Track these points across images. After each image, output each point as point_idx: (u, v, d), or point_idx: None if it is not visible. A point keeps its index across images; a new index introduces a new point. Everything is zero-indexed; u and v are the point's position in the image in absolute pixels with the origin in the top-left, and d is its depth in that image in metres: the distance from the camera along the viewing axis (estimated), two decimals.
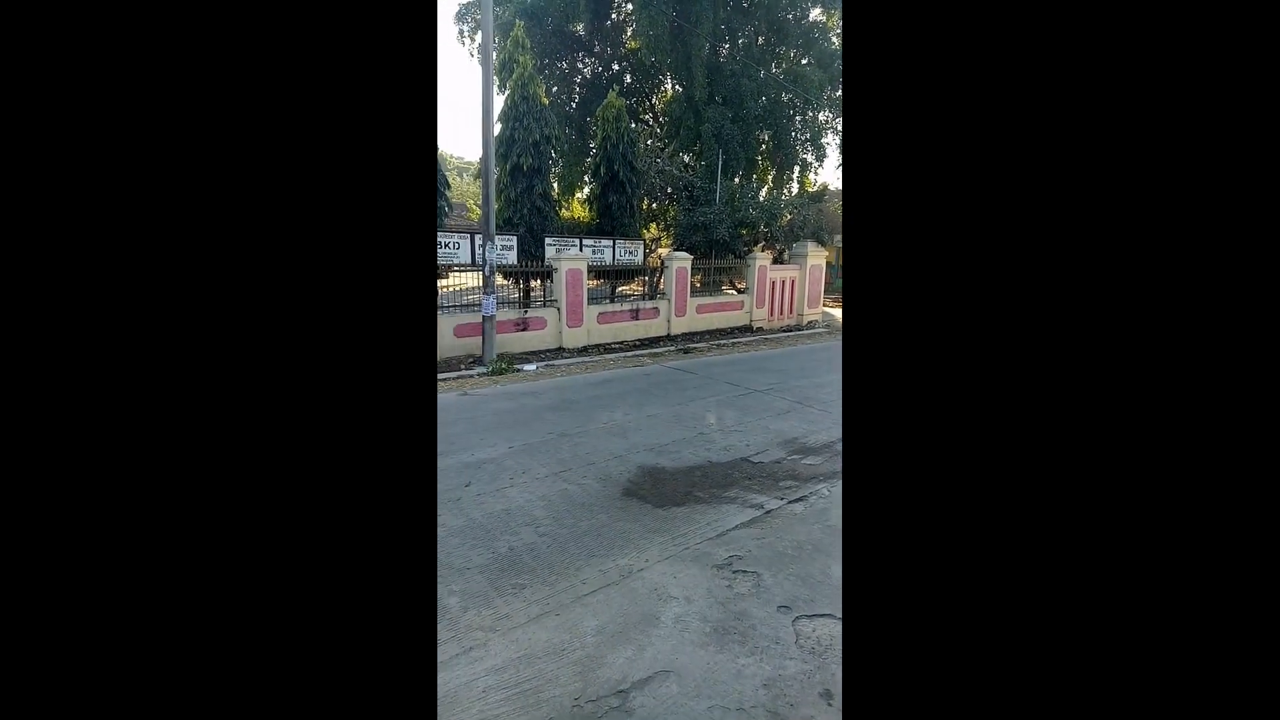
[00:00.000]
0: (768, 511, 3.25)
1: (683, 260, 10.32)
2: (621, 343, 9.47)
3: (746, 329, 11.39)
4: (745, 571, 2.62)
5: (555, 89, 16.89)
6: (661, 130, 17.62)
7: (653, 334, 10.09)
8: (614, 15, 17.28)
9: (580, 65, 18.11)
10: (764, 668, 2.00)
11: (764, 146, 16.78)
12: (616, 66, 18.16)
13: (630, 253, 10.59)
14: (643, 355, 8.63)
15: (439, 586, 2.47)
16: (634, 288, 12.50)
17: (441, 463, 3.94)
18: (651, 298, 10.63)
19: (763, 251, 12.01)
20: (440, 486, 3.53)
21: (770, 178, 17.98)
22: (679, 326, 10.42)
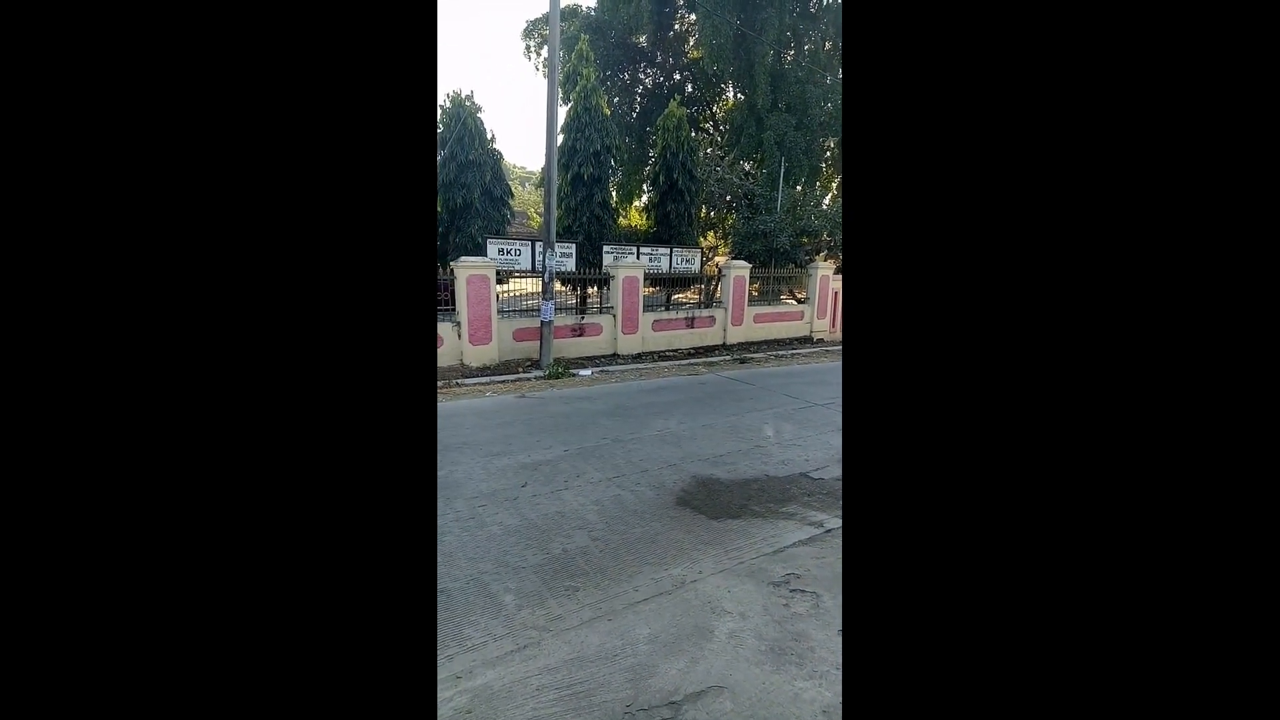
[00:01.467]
0: (828, 530, 3.13)
1: (741, 268, 10.20)
2: (676, 350, 9.46)
3: (806, 340, 11.09)
4: (804, 591, 2.53)
5: (617, 99, 17.23)
6: (722, 138, 17.57)
7: (708, 342, 10.02)
8: (676, 26, 17.48)
9: (642, 75, 18.39)
10: (824, 693, 1.91)
11: (829, 154, 16.40)
12: (678, 76, 18.32)
13: (687, 261, 10.59)
14: (697, 364, 8.57)
15: (495, 583, 2.53)
16: (690, 296, 12.46)
17: (499, 463, 4.06)
18: (708, 306, 10.56)
19: (825, 261, 11.69)
20: (497, 486, 3.63)
21: (835, 185, 17.52)
22: (735, 336, 10.29)
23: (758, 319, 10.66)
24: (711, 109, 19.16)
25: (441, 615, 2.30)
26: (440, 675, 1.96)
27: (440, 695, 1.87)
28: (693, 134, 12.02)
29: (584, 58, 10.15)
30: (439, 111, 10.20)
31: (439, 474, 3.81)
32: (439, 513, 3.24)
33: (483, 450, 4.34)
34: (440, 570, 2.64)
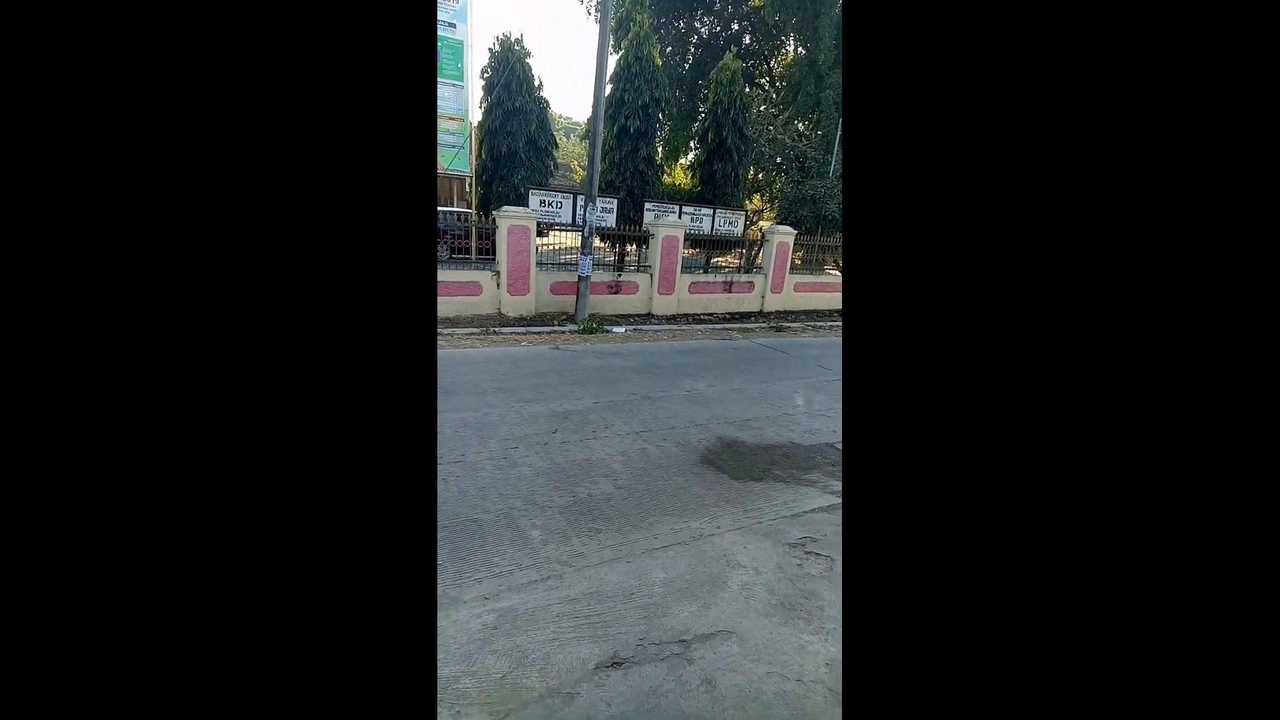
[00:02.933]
0: None
1: (785, 234, 9.93)
2: (711, 314, 9.40)
3: None
4: (819, 554, 2.59)
5: (669, 49, 16.57)
6: (777, 95, 16.77)
7: (745, 308, 9.91)
8: None
9: (698, 24, 17.56)
10: (829, 648, 2.00)
11: None
12: (735, 26, 17.40)
13: (730, 223, 10.37)
14: (732, 329, 8.52)
15: (523, 519, 2.69)
16: (730, 259, 12.25)
17: (532, 409, 4.21)
18: (748, 271, 10.38)
19: None
20: (529, 430, 3.78)
21: None
22: (774, 303, 10.13)
23: (798, 288, 10.43)
24: (769, 63, 18.21)
25: (472, 543, 2.47)
26: (469, 595, 2.13)
27: (470, 613, 2.04)
28: (746, 89, 11.53)
29: (638, 2, 9.75)
30: (488, 56, 10.04)
31: (475, 414, 3.99)
32: (474, 451, 3.41)
33: (517, 396, 4.49)
34: (473, 503, 2.81)
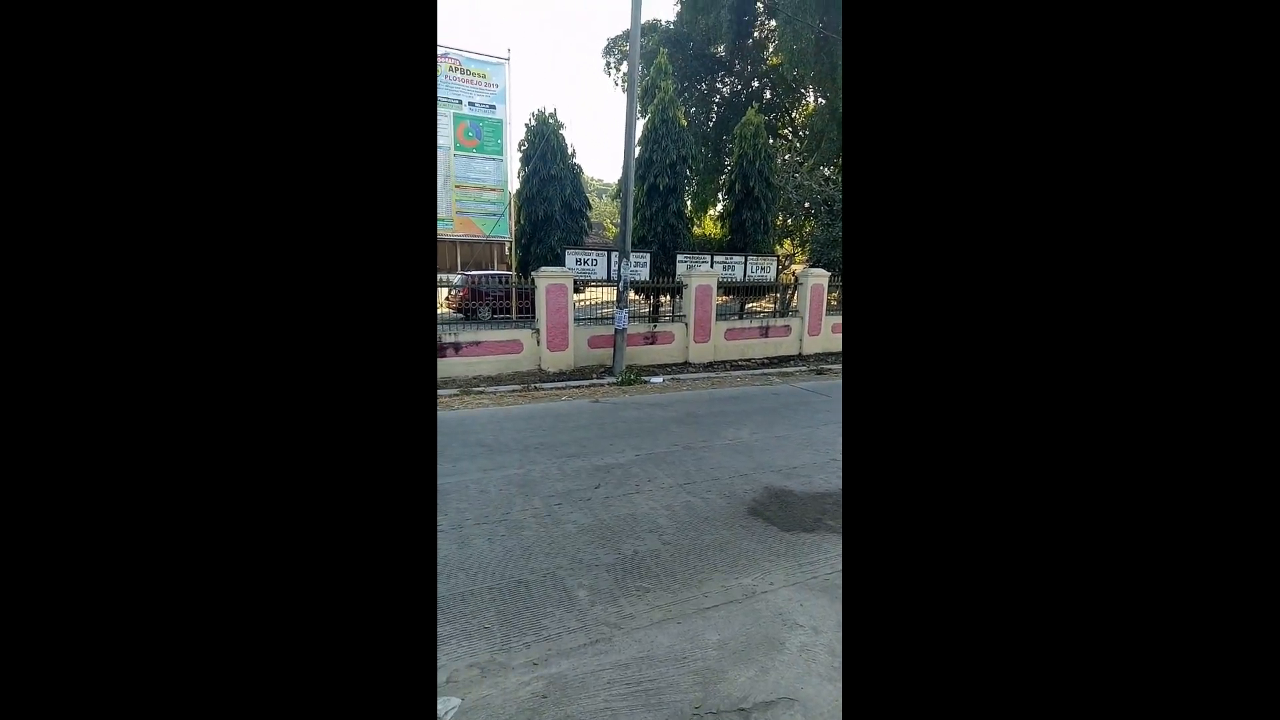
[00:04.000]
0: None
1: (819, 277, 9.91)
2: (749, 360, 9.33)
3: None
4: None
5: (693, 110, 17.36)
6: (801, 144, 17.19)
7: (783, 352, 9.79)
8: (756, 33, 17.37)
9: (719, 85, 18.42)
10: None
11: None
12: (756, 84, 18.16)
13: (762, 269, 10.44)
14: (771, 374, 8.41)
15: (570, 578, 2.64)
16: (765, 304, 12.24)
17: (573, 464, 4.21)
18: (783, 315, 10.34)
19: None
20: (572, 486, 3.77)
21: None
22: (812, 346, 9.99)
23: (836, 329, 10.28)
24: (790, 114, 18.80)
25: (519, 605, 2.43)
26: (517, 661, 2.08)
27: (518, 679, 1.99)
28: (770, 140, 11.87)
29: (662, 71, 10.35)
30: (524, 130, 10.76)
31: (518, 471, 4.02)
32: (518, 509, 3.42)
33: (559, 451, 4.51)
34: (518, 563, 2.79)
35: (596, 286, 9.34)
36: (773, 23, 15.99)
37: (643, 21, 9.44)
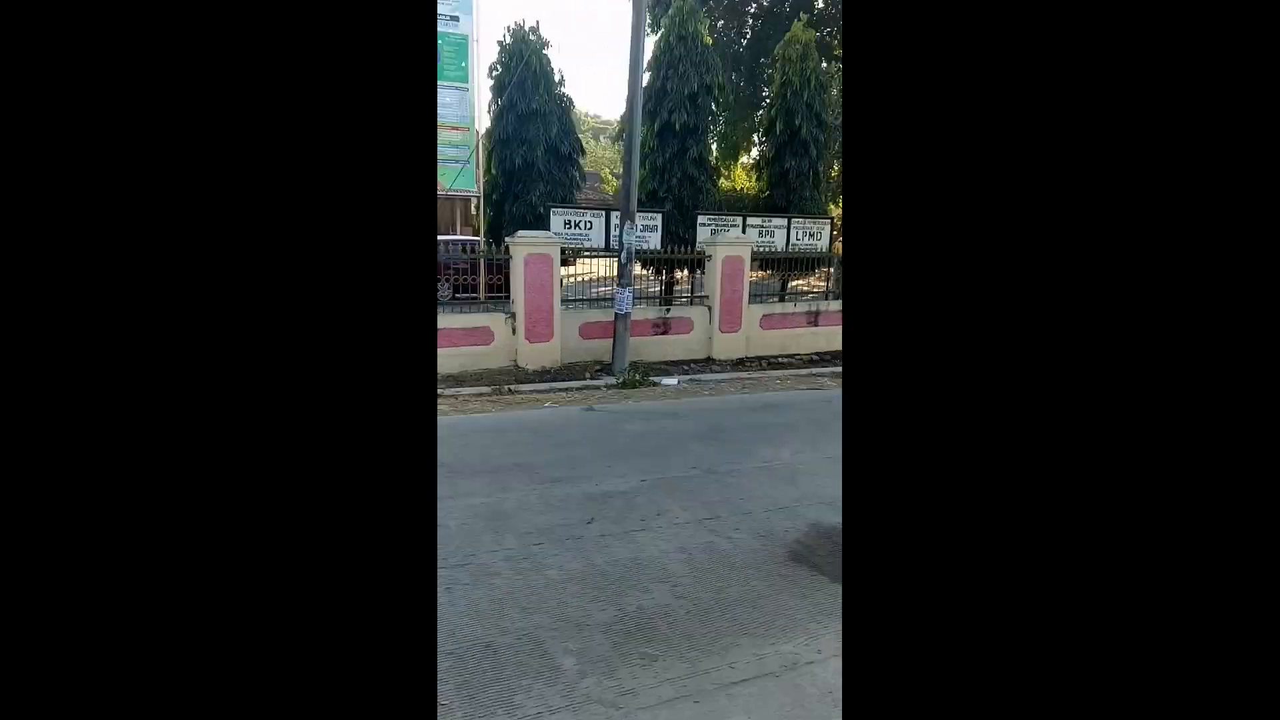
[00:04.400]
0: None
1: None
2: (792, 356, 9.32)
3: None
4: None
5: (721, 23, 17.30)
6: None
7: (837, 346, 9.77)
8: None
9: None
10: None
11: None
12: None
13: (811, 235, 10.43)
14: (822, 374, 8.41)
15: (552, 641, 2.65)
16: (814, 282, 12.21)
17: (559, 491, 4.22)
18: (838, 297, 10.31)
19: None
20: (557, 520, 3.79)
21: None
22: None
23: None
24: None
25: (486, 676, 2.44)
26: None
27: None
28: (824, 65, 11.82)
29: None
30: (497, 50, 10.77)
31: (486, 500, 4.05)
32: (486, 550, 3.44)
33: (540, 475, 4.53)
34: (488, 620, 2.80)
35: (591, 257, 9.36)
36: None
37: None
